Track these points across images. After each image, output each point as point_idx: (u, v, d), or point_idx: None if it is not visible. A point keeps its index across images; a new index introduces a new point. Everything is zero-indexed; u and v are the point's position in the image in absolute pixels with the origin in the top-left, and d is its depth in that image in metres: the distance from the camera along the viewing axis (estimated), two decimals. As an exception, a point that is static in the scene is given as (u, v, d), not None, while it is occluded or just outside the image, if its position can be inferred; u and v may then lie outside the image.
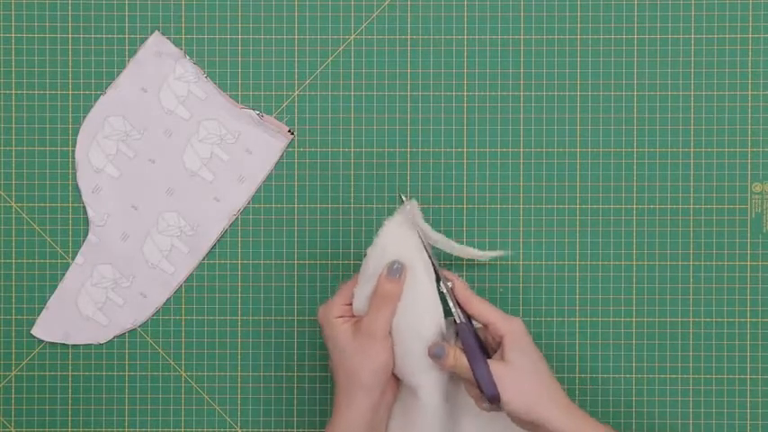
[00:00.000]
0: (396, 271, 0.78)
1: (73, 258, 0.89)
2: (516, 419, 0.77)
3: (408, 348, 0.79)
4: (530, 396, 0.76)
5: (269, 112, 0.89)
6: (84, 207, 0.89)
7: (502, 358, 0.77)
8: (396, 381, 0.81)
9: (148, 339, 0.89)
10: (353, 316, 0.80)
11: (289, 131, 0.88)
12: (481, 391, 0.76)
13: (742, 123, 0.88)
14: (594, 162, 0.88)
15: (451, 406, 0.82)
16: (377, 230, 0.88)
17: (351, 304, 0.80)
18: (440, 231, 0.88)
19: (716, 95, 0.88)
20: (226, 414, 0.89)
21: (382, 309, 0.78)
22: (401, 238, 0.80)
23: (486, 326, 0.79)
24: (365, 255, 0.80)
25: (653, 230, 0.88)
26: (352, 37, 0.89)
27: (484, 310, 0.79)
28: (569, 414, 0.76)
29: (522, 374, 0.76)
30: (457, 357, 0.77)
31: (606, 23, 0.88)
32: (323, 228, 0.88)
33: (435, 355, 0.78)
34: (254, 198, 0.89)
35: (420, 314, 0.79)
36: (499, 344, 0.78)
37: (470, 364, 0.77)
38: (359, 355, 0.78)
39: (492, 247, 0.88)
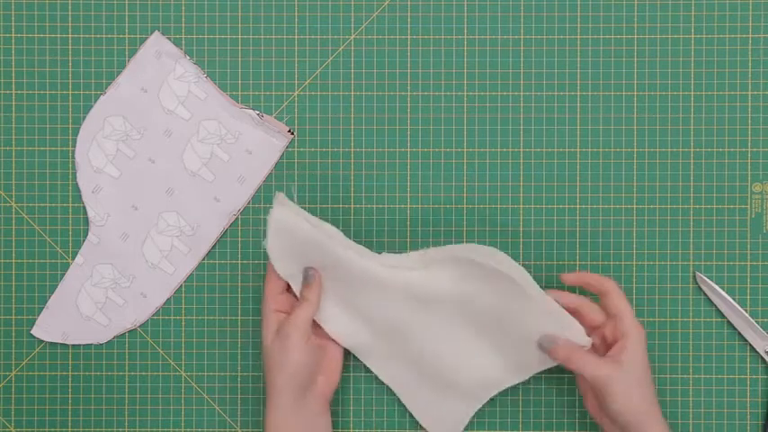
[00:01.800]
0: (310, 277, 0.81)
1: (73, 258, 0.89)
2: (616, 419, 0.78)
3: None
4: (638, 411, 0.77)
5: (269, 112, 0.89)
6: (84, 207, 0.89)
7: (617, 359, 0.78)
8: (328, 381, 0.83)
9: (148, 339, 0.89)
10: (288, 308, 0.83)
11: (289, 131, 0.88)
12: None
13: (742, 123, 0.88)
14: (594, 162, 0.88)
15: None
16: (377, 231, 0.88)
17: (283, 293, 0.83)
18: (439, 231, 0.88)
19: (716, 95, 0.88)
20: (226, 414, 0.89)
21: (298, 310, 0.80)
22: (295, 221, 0.81)
23: (612, 316, 0.80)
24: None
25: (653, 230, 0.88)
26: (352, 37, 0.89)
27: (618, 303, 0.80)
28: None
29: (633, 380, 0.78)
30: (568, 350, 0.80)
31: (606, 23, 0.88)
32: (323, 228, 0.88)
33: (544, 347, 0.80)
34: (254, 198, 0.89)
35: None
36: (606, 340, 0.81)
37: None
38: (278, 355, 0.80)
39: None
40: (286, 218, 0.81)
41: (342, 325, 0.85)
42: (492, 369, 0.84)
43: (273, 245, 0.82)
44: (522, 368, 0.84)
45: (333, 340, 0.84)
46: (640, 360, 0.78)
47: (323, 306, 0.84)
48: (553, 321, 0.82)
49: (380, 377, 0.87)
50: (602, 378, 0.77)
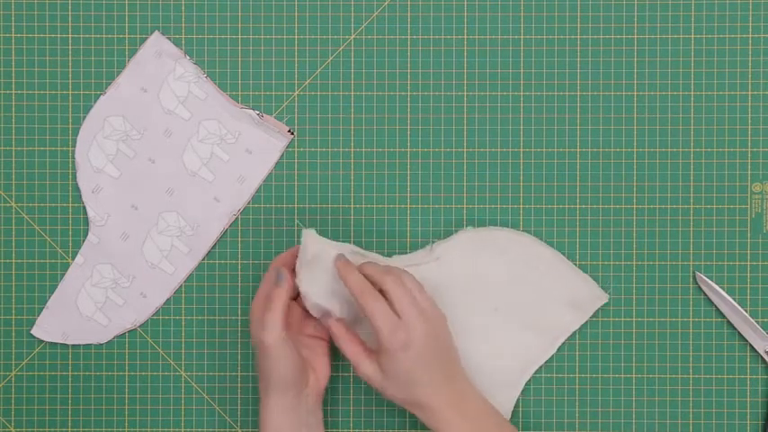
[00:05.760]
0: (281, 280, 0.80)
1: (73, 258, 0.89)
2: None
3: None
4: (401, 400, 0.79)
5: (269, 112, 0.89)
6: (84, 207, 0.89)
7: (380, 356, 0.78)
8: (318, 378, 0.83)
9: (148, 339, 0.89)
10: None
11: (289, 131, 0.88)
12: None
13: (742, 123, 0.88)
14: (594, 162, 0.88)
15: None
16: (377, 231, 0.88)
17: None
18: (439, 231, 0.88)
19: (716, 95, 0.88)
20: (226, 414, 0.89)
21: (273, 313, 0.79)
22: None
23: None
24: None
25: (653, 230, 0.88)
26: (352, 37, 0.89)
27: (396, 302, 0.78)
28: (433, 416, 0.79)
29: (393, 389, 0.78)
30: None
31: (606, 23, 0.88)
32: (323, 228, 0.88)
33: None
34: (254, 198, 0.89)
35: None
36: None
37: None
38: (262, 357, 0.79)
39: (492, 247, 0.88)
40: (313, 245, 0.81)
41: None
42: (520, 349, 0.86)
43: (305, 277, 0.81)
44: (549, 337, 0.86)
45: (321, 337, 0.85)
46: (396, 373, 0.77)
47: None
48: (567, 280, 0.85)
49: None
50: (364, 377, 0.79)
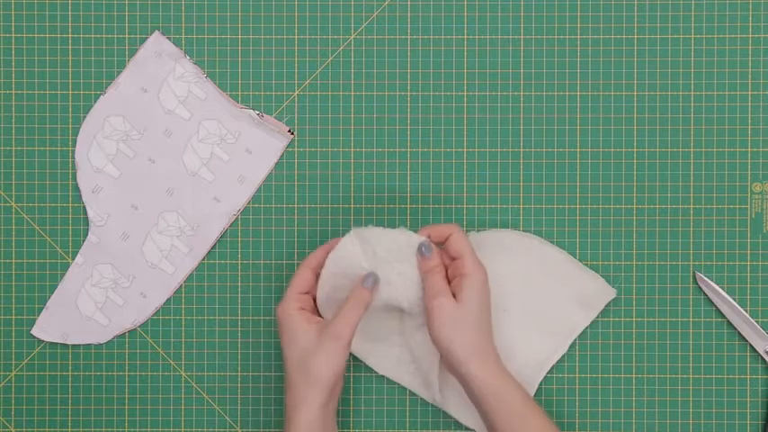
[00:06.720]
0: (370, 282, 0.80)
1: (73, 258, 0.89)
2: (445, 357, 0.80)
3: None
4: (465, 343, 0.78)
5: (269, 112, 0.89)
6: (84, 207, 0.89)
7: (455, 295, 0.79)
8: (342, 378, 0.83)
9: (148, 339, 0.89)
10: (310, 306, 0.82)
11: (289, 131, 0.88)
12: None
13: (742, 123, 0.88)
14: (594, 162, 0.88)
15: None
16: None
17: (306, 293, 0.82)
18: (440, 231, 0.88)
19: (716, 95, 0.88)
20: (226, 414, 0.89)
21: (352, 313, 0.79)
22: (353, 253, 0.81)
23: (454, 258, 0.81)
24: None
25: (653, 230, 0.88)
26: (352, 37, 0.89)
27: (460, 244, 0.80)
28: (494, 371, 0.79)
29: (467, 320, 0.78)
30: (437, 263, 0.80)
31: (606, 23, 0.88)
32: (323, 228, 0.88)
33: (422, 251, 0.80)
34: (254, 198, 0.89)
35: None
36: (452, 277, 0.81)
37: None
38: (322, 354, 0.78)
39: (492, 247, 0.88)
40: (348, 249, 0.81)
41: (381, 356, 0.87)
42: (533, 350, 0.86)
43: (333, 263, 0.81)
44: (560, 336, 0.86)
45: None
46: (475, 301, 0.79)
47: (365, 344, 0.86)
48: (574, 278, 0.86)
49: (420, 394, 0.87)
50: (432, 305, 0.79)
